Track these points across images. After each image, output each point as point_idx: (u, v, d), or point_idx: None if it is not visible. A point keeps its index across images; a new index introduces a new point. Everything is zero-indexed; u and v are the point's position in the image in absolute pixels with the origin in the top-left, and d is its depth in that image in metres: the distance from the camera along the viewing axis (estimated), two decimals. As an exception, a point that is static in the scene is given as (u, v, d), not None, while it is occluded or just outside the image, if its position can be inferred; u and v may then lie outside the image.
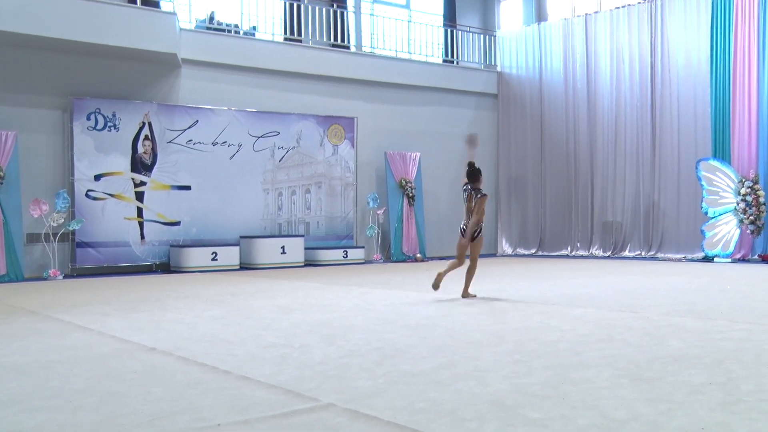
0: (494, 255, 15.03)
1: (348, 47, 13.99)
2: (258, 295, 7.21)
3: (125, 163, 11.24)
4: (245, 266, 11.74)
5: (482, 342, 4.14)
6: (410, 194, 13.72)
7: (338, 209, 13.30)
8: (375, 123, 14.04)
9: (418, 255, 13.55)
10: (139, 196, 11.33)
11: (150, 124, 11.41)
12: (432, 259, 14.00)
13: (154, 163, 11.45)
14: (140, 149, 11.34)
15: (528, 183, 15.32)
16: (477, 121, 15.47)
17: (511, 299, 6.32)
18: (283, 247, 11.95)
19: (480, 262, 11.56)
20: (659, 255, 13.02)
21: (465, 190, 6.16)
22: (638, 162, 13.51)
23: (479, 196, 6.10)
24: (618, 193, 13.83)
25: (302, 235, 12.49)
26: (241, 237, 12.07)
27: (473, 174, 6.14)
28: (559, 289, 7.29)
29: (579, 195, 14.48)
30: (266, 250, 11.79)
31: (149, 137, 11.39)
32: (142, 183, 11.36)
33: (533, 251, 15.16)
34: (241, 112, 12.31)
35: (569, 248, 14.57)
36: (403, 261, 13.40)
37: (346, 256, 12.57)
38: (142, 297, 7.14)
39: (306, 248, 12.47)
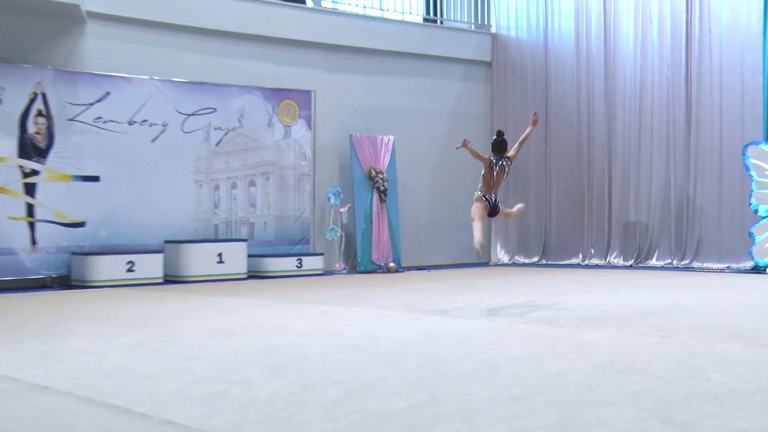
0: (487, 264, 15.01)
1: (304, 2, 14.03)
2: (187, 315, 7.21)
3: (10, 145, 11.02)
4: (171, 279, 11.75)
5: (472, 373, 4.17)
6: (382, 188, 13.81)
7: (291, 206, 13.40)
8: (338, 98, 14.09)
9: (392, 264, 13.59)
10: (30, 189, 11.17)
11: (44, 96, 11.24)
12: (408, 269, 14.00)
13: (50, 146, 11.30)
14: (31, 128, 11.17)
15: (529, 174, 15.30)
16: (466, 95, 15.52)
17: (509, 320, 6.39)
18: (220, 255, 12.05)
19: (470, 273, 12.95)
20: (695, 264, 13.04)
21: (500, 163, 7.14)
22: (669, 147, 13.47)
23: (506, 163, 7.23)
24: (643, 187, 13.82)
25: (245, 240, 12.60)
26: (166, 242, 12.11)
27: (502, 144, 7.25)
28: (568, 306, 7.37)
29: (594, 189, 14.46)
30: (198, 259, 11.88)
31: (43, 113, 11.24)
32: (34, 172, 11.21)
33: (535, 260, 15.13)
34: (167, 82, 12.23)
35: (581, 256, 14.59)
36: (373, 272, 13.48)
37: (301, 266, 12.72)
38: (33, 320, 7.05)
39: (250, 256, 12.50)
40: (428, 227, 15.12)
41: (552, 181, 15.07)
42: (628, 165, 13.97)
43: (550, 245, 15.09)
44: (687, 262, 13.21)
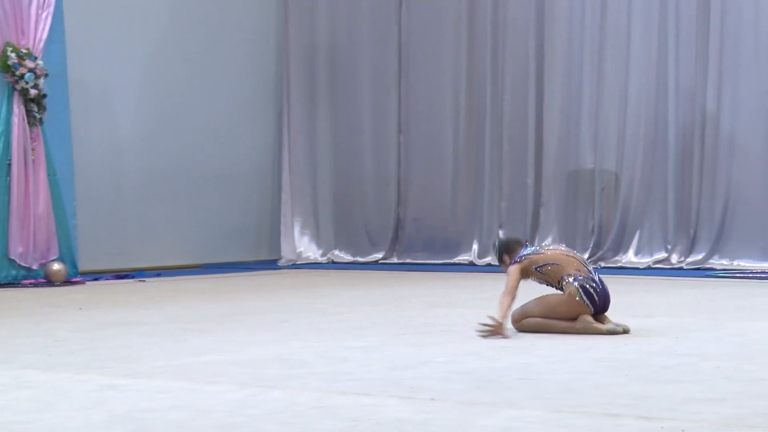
0: (275, 264, 16.02)
1: None
2: None
3: None
4: None
5: None
6: (33, 94, 13.72)
7: None
8: None
9: (56, 267, 13.52)
10: None
11: None
12: (97, 276, 14.23)
13: None
14: None
15: (361, 85, 16.37)
16: None
17: (315, 386, 6.58)
18: None
19: (234, 284, 14.09)
20: (716, 262, 13.92)
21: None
22: (664, 28, 14.61)
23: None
24: (610, 102, 14.91)
25: None
26: None
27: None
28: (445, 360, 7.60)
29: (504, 109, 15.53)
30: None
31: None
32: None
33: (379, 256, 16.16)
34: None
35: (474, 248, 15.52)
36: (14, 283, 13.52)
37: None
38: None
39: None
40: (143, 186, 15.38)
41: (410, 99, 16.21)
42: (577, 65, 15.17)
43: (407, 229, 16.24)
44: (700, 258, 14.10)
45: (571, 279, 8.41)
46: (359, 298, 11.84)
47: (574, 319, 8.49)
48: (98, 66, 15.05)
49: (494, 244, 9.39)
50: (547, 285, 8.76)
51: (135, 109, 15.59)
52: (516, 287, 8.60)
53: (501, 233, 8.54)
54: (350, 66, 16.78)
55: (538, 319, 8.59)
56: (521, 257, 8.79)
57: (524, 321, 8.63)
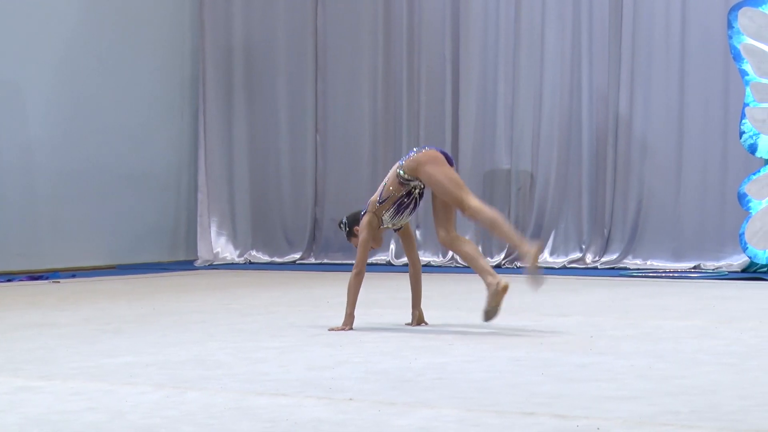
0: (192, 264, 15.94)
1: None
2: None
3: None
4: None
5: None
6: None
7: None
8: None
9: None
10: None
11: None
12: (11, 278, 14.11)
13: None
14: None
15: (275, 69, 16.37)
16: None
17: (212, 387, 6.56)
18: None
19: (150, 285, 13.93)
20: (630, 262, 14.07)
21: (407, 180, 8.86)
22: (578, 28, 14.70)
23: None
24: (525, 103, 14.97)
25: None
26: None
27: None
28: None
29: (420, 102, 15.63)
30: None
31: None
32: None
33: (296, 256, 16.12)
34: None
35: (391, 248, 15.52)
36: None
37: None
38: None
39: None
40: (57, 186, 15.22)
41: (327, 100, 16.33)
42: (492, 67, 15.28)
43: (325, 229, 16.19)
44: (614, 258, 14.25)
45: (398, 168, 8.57)
46: (277, 298, 11.83)
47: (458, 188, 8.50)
48: (8, 64, 14.93)
49: (341, 224, 9.22)
50: (399, 203, 8.79)
51: (47, 109, 15.44)
52: (368, 240, 8.75)
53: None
54: (266, 66, 16.78)
55: (466, 252, 8.56)
56: (365, 210, 8.86)
57: (458, 248, 8.72)
